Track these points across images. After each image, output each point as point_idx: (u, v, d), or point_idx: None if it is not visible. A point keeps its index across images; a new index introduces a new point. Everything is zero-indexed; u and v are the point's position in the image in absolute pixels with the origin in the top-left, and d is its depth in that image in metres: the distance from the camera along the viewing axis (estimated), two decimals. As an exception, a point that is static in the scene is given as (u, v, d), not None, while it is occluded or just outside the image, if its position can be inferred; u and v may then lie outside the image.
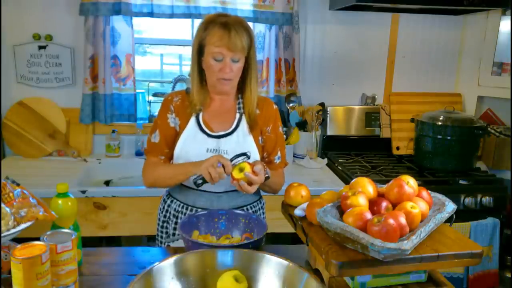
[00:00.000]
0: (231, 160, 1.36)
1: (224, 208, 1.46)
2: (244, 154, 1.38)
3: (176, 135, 1.51)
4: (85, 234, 1.43)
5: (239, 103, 1.53)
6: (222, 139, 1.48)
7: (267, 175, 1.42)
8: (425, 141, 2.45)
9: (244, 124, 1.51)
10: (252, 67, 1.47)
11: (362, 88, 2.85)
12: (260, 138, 1.55)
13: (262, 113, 1.54)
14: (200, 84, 1.49)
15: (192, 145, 1.47)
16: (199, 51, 1.44)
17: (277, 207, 1.37)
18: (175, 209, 1.55)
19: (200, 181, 1.36)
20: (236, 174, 1.34)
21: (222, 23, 1.38)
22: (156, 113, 1.58)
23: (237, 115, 1.52)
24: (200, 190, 1.50)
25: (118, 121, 2.60)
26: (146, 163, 1.54)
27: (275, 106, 1.60)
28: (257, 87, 1.51)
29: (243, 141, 1.49)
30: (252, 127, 1.52)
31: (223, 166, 1.32)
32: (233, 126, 1.50)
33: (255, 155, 1.50)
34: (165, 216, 1.58)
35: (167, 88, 2.86)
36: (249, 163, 1.36)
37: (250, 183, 1.34)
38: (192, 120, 1.49)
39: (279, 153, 1.59)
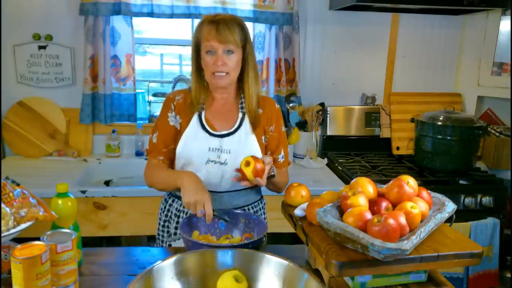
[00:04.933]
0: (214, 215, 1.31)
1: (225, 207, 1.46)
2: (224, 220, 1.35)
3: (177, 134, 1.51)
4: (85, 234, 1.43)
5: (241, 103, 1.53)
6: (224, 138, 1.48)
7: (272, 173, 1.43)
8: (425, 141, 2.44)
9: (247, 123, 1.51)
10: (250, 63, 1.48)
11: (362, 88, 2.85)
12: (263, 137, 1.55)
13: (265, 112, 1.55)
14: (199, 83, 1.50)
15: (194, 143, 1.48)
16: (196, 51, 1.46)
17: (277, 207, 1.37)
18: (176, 208, 1.55)
19: None
20: (243, 167, 1.35)
21: (212, 20, 1.41)
22: (158, 113, 1.59)
23: (240, 114, 1.52)
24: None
25: (118, 121, 2.60)
26: (147, 164, 1.55)
27: (277, 106, 1.60)
28: (256, 84, 1.51)
29: (245, 140, 1.49)
30: (255, 126, 1.52)
31: (204, 214, 1.29)
32: (236, 125, 1.51)
33: (258, 155, 1.50)
34: (166, 216, 1.58)
35: (167, 88, 2.86)
36: (255, 159, 1.36)
37: (243, 178, 1.36)
38: (194, 118, 1.50)
39: (282, 152, 1.60)
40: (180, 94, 1.54)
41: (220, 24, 1.38)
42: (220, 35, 1.38)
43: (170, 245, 1.57)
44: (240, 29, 1.42)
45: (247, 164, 1.35)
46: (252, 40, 1.53)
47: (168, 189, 1.54)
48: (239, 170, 1.38)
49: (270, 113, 1.56)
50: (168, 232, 1.58)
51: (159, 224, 1.62)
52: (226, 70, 1.41)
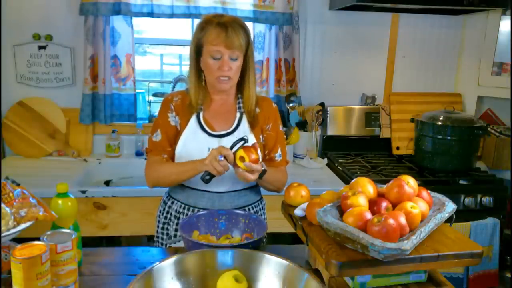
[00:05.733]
0: (231, 147, 1.36)
1: (225, 208, 1.46)
2: (242, 139, 1.37)
3: (177, 134, 1.51)
4: (85, 234, 1.43)
5: (239, 103, 1.54)
6: (223, 138, 1.48)
7: (263, 168, 1.41)
8: (425, 141, 2.44)
9: (245, 123, 1.52)
10: (250, 65, 1.49)
11: (362, 88, 2.85)
12: (261, 136, 1.55)
13: (262, 112, 1.55)
14: (197, 84, 1.50)
15: (193, 144, 1.48)
16: (197, 52, 1.45)
17: (277, 207, 1.37)
18: (176, 210, 1.54)
19: (207, 177, 1.36)
20: (238, 162, 1.34)
21: (218, 23, 1.39)
22: (156, 113, 1.59)
23: (238, 114, 1.53)
24: (202, 190, 1.50)
25: (118, 121, 2.60)
26: (148, 162, 1.53)
27: (274, 105, 1.61)
28: (255, 85, 1.52)
29: None
30: (253, 126, 1.53)
31: (225, 158, 1.33)
32: (234, 125, 1.51)
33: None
34: (165, 218, 1.58)
35: (167, 88, 2.86)
36: (246, 150, 1.35)
37: (251, 171, 1.34)
38: (193, 119, 1.50)
39: (279, 151, 1.59)
40: (177, 95, 1.54)
41: (229, 28, 1.37)
42: (229, 39, 1.37)
43: (170, 246, 1.56)
44: (243, 32, 1.42)
45: (242, 159, 1.34)
46: (252, 40, 1.53)
47: (180, 180, 1.49)
48: (233, 160, 1.36)
49: (268, 113, 1.56)
50: (167, 234, 1.58)
51: (158, 226, 1.61)
52: (230, 75, 1.42)
